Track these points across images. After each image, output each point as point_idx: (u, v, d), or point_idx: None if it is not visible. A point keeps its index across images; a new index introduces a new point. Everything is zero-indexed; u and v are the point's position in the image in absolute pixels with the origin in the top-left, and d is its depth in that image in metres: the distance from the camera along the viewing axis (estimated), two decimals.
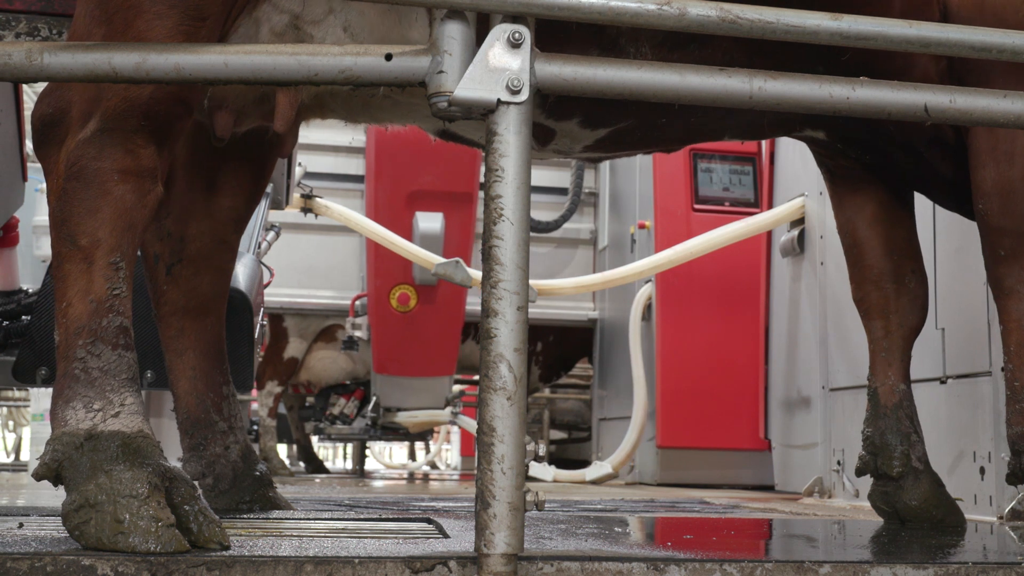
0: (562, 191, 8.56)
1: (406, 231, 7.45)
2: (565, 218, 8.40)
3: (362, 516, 2.60)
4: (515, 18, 1.71)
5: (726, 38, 2.37)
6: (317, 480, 7.17)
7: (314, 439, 10.22)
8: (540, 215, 8.29)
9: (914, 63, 2.64)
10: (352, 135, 8.06)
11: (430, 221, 7.57)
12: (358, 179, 8.12)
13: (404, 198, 7.65)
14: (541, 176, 8.39)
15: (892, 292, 2.96)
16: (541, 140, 2.65)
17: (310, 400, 9.45)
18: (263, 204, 4.81)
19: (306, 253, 7.97)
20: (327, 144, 8.09)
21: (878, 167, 2.94)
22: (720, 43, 2.49)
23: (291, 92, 2.36)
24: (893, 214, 2.99)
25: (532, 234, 8.18)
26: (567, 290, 7.05)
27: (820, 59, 2.43)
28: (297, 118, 2.56)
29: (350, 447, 12.94)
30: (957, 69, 2.64)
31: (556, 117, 2.58)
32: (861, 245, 3.00)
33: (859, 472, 2.93)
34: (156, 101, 1.96)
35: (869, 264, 2.99)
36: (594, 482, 6.84)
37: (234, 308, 3.18)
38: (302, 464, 9.59)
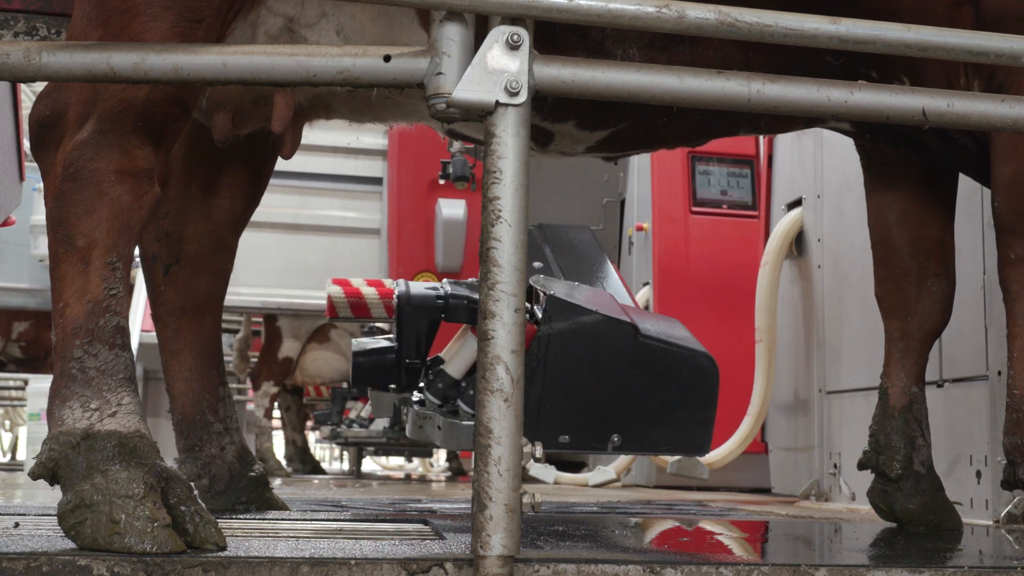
0: None
1: (429, 218, 7.37)
2: None
3: (358, 517, 2.60)
4: (514, 20, 1.71)
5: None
6: (314, 481, 7.16)
7: (311, 438, 10.17)
8: None
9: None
10: (354, 136, 8.03)
11: (453, 208, 7.53)
12: (359, 180, 8.08)
13: (426, 185, 7.61)
14: None
15: (913, 293, 2.87)
16: (541, 142, 2.64)
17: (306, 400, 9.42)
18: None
19: (303, 254, 7.95)
20: (327, 145, 8.07)
21: (914, 152, 2.82)
22: (710, 42, 2.43)
23: (288, 93, 2.36)
24: (926, 212, 2.87)
25: None
26: (727, 459, 6.18)
27: (826, 51, 2.37)
28: (300, 119, 2.56)
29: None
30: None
31: (553, 119, 2.56)
32: (888, 242, 2.90)
33: (861, 466, 2.89)
34: (152, 102, 1.96)
35: (893, 263, 2.89)
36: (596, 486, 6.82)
37: (702, 374, 2.77)
38: (286, 464, 9.42)
